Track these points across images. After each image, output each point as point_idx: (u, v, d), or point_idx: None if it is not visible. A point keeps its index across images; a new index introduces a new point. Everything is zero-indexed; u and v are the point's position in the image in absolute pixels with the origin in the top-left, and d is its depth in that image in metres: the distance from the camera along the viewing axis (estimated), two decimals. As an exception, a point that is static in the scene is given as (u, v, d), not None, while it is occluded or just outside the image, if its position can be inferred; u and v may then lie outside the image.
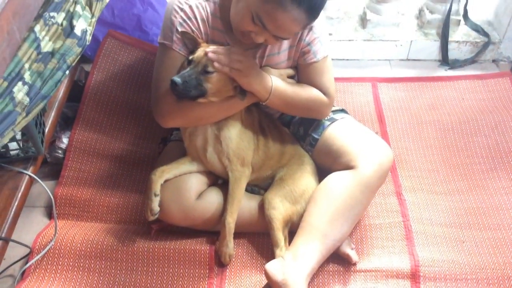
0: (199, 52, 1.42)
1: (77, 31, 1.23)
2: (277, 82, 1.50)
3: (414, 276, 1.55)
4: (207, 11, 1.48)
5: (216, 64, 1.39)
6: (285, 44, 1.54)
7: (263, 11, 1.31)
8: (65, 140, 1.94)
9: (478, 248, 1.65)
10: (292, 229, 1.58)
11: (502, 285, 1.54)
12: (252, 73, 1.44)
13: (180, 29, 1.46)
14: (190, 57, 1.43)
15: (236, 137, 1.55)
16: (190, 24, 1.47)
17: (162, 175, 1.55)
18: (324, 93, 1.59)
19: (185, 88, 1.38)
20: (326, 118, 1.69)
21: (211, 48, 1.42)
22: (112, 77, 2.05)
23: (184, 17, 1.46)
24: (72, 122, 1.98)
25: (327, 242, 1.49)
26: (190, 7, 1.46)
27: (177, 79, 1.37)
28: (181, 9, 1.46)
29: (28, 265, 1.59)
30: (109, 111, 2.01)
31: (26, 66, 1.09)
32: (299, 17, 1.30)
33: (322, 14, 1.56)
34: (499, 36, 2.48)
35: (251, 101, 1.53)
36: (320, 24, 1.53)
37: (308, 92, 1.57)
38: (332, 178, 1.56)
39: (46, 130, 1.67)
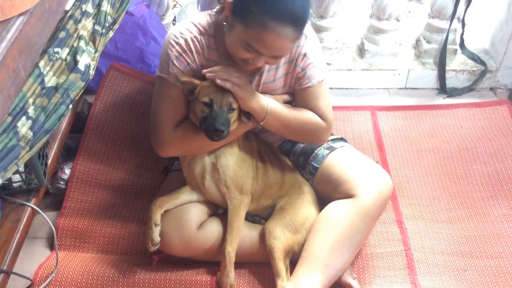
0: (214, 94, 1.44)
1: (81, 66, 1.25)
2: (273, 103, 1.53)
3: (416, 306, 1.55)
4: (202, 43, 1.51)
5: (218, 81, 1.41)
6: (281, 71, 1.57)
7: (250, 38, 1.33)
8: (67, 171, 1.96)
9: (481, 277, 1.64)
10: (294, 258, 1.57)
11: (505, 315, 1.53)
12: (248, 90, 1.46)
13: (176, 62, 1.49)
14: (208, 100, 1.44)
15: (234, 165, 1.56)
16: (186, 57, 1.50)
17: (162, 204, 1.56)
18: (321, 117, 1.59)
19: (227, 131, 1.43)
20: (325, 147, 1.70)
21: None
22: (114, 109, 2.08)
23: (180, 51, 1.49)
24: (75, 153, 2.00)
25: (329, 272, 1.49)
26: (186, 40, 1.50)
27: (223, 128, 1.40)
28: (177, 43, 1.49)
29: (29, 297, 1.59)
30: (111, 141, 2.03)
31: (30, 101, 1.11)
32: (285, 32, 1.31)
33: (318, 41, 1.59)
34: (496, 64, 2.51)
35: (251, 126, 1.55)
36: (314, 50, 1.55)
37: (305, 115, 1.58)
38: (332, 207, 1.56)
39: (49, 161, 1.68)
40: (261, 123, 1.53)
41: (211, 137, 1.43)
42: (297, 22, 1.33)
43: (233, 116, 1.47)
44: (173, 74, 1.48)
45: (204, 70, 1.44)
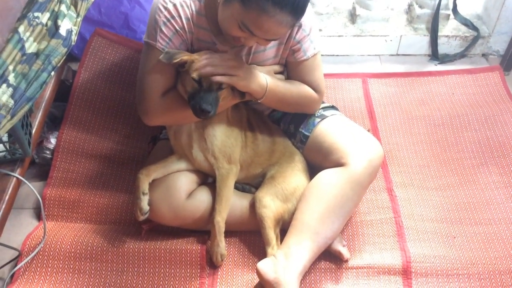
0: None
1: (62, 31, 1.20)
2: (270, 80, 1.50)
3: (405, 272, 1.56)
4: (192, 9, 1.46)
5: (218, 78, 1.38)
6: (273, 41, 1.53)
7: (247, 19, 1.29)
8: (53, 140, 1.92)
9: (469, 243, 1.65)
10: (284, 227, 1.57)
11: (493, 280, 1.55)
12: (248, 76, 1.43)
13: (164, 29, 1.43)
14: (196, 76, 1.38)
15: (221, 134, 1.54)
16: (174, 23, 1.44)
17: (149, 173, 1.54)
18: (315, 89, 1.59)
19: (214, 111, 1.39)
20: (316, 115, 1.68)
21: (203, 57, 1.39)
22: (99, 76, 2.03)
23: (168, 16, 1.44)
24: (60, 122, 1.95)
25: (319, 240, 1.49)
26: (175, 5, 1.44)
27: (210, 108, 1.36)
28: (165, 8, 1.44)
29: (17, 268, 1.57)
30: (97, 110, 1.99)
31: (10, 68, 1.07)
32: (284, 19, 1.28)
33: (312, 10, 1.55)
34: (489, 30, 2.48)
35: (244, 99, 1.52)
36: (310, 21, 1.51)
37: (299, 89, 1.57)
38: (323, 175, 1.55)
39: (33, 131, 1.64)
40: (259, 101, 1.50)
41: (197, 116, 1.40)
42: (297, 10, 1.29)
43: (224, 92, 1.43)
44: (161, 58, 1.41)
45: (199, 64, 1.38)
